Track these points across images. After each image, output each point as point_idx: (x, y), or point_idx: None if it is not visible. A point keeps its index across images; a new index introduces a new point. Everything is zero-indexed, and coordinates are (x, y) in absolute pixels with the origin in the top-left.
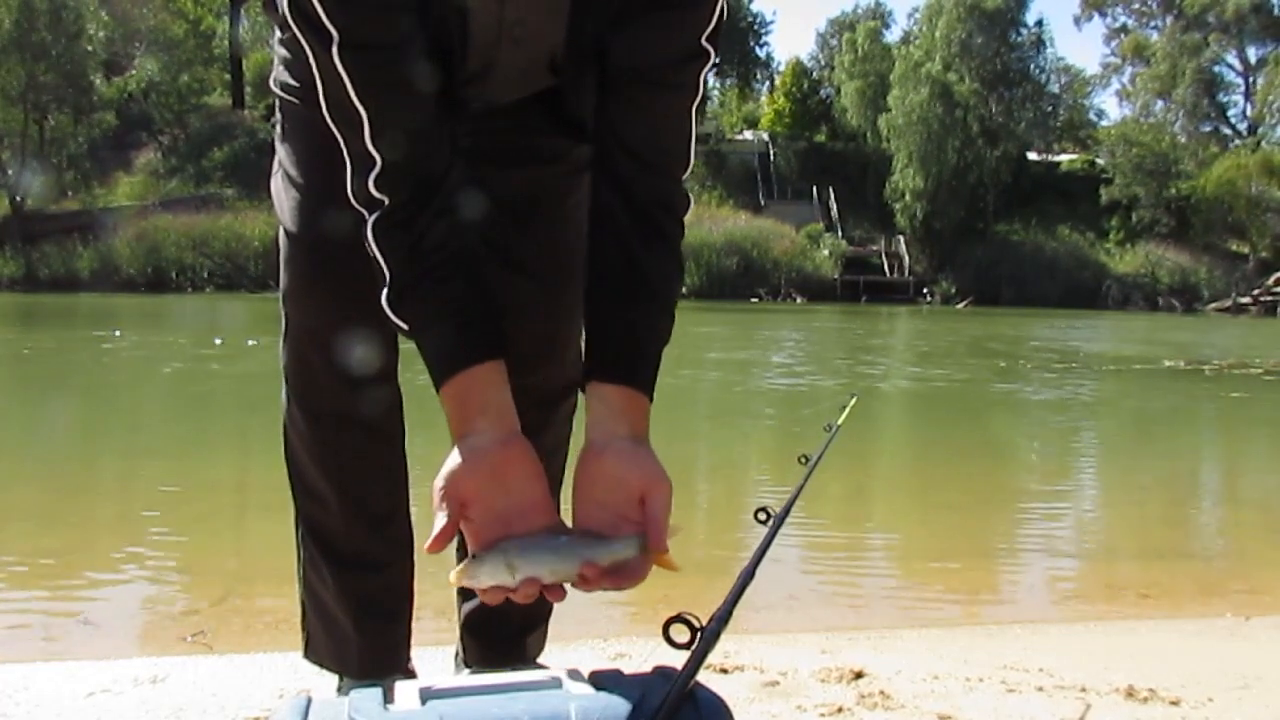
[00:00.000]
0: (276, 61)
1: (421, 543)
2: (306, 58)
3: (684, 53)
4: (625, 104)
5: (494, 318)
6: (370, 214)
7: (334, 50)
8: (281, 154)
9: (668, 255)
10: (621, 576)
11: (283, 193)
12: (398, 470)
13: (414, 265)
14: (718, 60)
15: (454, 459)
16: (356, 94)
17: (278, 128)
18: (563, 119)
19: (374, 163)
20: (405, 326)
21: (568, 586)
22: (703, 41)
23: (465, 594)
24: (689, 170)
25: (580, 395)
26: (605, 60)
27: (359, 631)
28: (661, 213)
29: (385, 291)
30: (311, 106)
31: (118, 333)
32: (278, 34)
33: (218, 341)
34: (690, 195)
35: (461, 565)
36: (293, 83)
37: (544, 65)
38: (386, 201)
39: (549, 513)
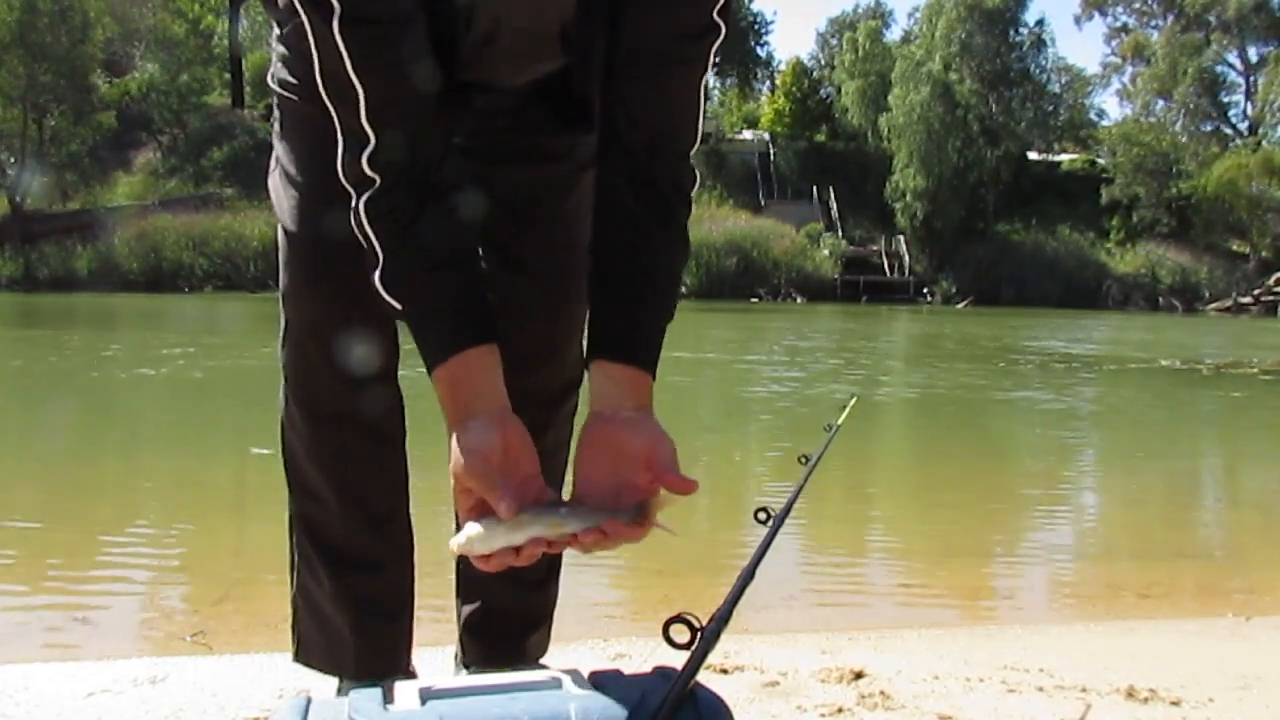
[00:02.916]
0: (275, 59)
1: (422, 544)
2: (305, 52)
3: (697, 27)
4: (636, 80)
5: (488, 303)
6: (361, 193)
7: (334, 23)
8: (280, 151)
9: (674, 233)
10: (620, 538)
11: (281, 191)
12: (398, 470)
13: (409, 247)
14: (726, 37)
15: (460, 447)
16: (354, 69)
17: (276, 125)
18: (568, 108)
19: (368, 140)
20: (399, 308)
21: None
22: (715, 16)
23: (464, 597)
24: (696, 146)
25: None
26: (616, 35)
27: (356, 633)
28: (670, 190)
29: (379, 273)
30: (310, 103)
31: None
32: (276, 31)
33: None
34: (697, 172)
35: (467, 533)
36: (291, 79)
37: (554, 36)
38: (379, 181)
39: (545, 490)
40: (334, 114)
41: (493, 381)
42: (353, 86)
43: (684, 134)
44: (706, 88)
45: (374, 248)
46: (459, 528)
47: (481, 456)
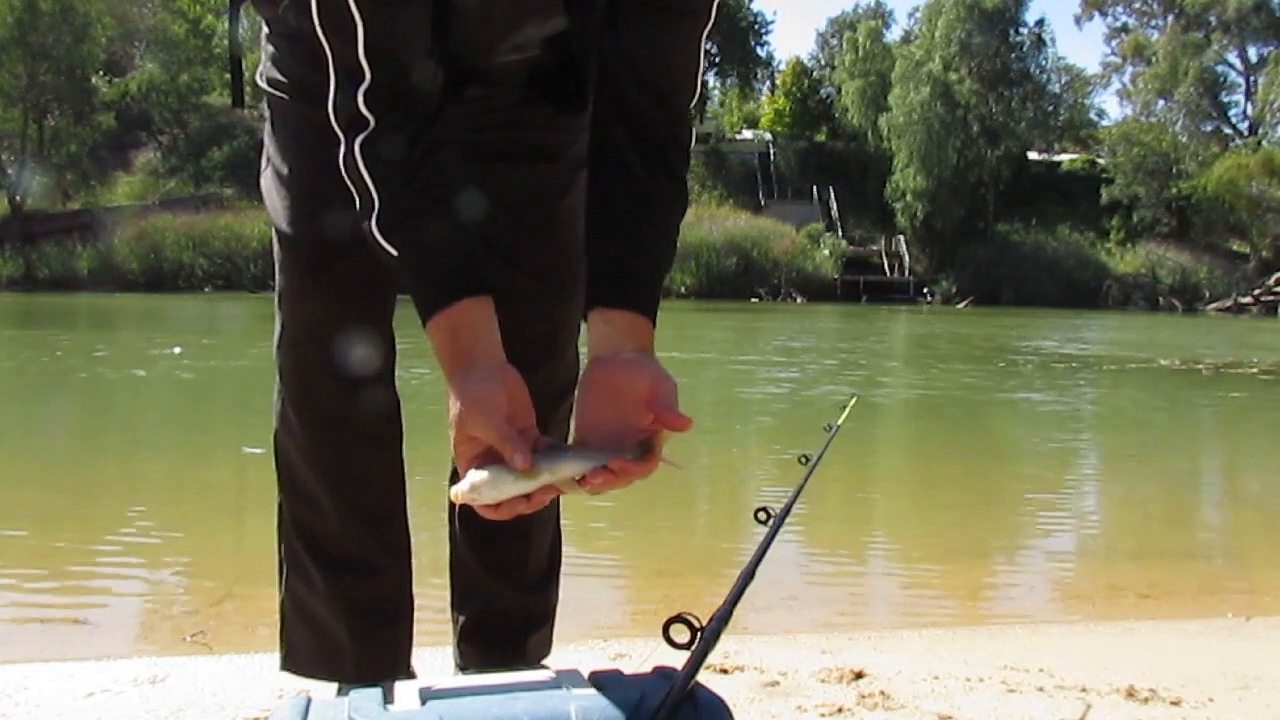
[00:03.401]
0: (264, 58)
1: (422, 545)
2: (296, 51)
3: None
4: (639, 31)
5: (484, 255)
6: (355, 134)
7: None
8: (271, 151)
9: (672, 184)
10: (628, 475)
11: (274, 191)
12: (396, 472)
13: (410, 191)
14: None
15: (468, 396)
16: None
17: (266, 124)
18: (563, 87)
19: (363, 77)
20: (394, 253)
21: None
22: None
23: (460, 605)
24: (695, 100)
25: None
26: None
27: (354, 637)
28: (669, 142)
29: (375, 217)
30: (301, 102)
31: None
32: (265, 30)
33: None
34: (694, 131)
35: (471, 480)
36: (281, 78)
37: None
38: (373, 122)
39: (541, 438)
40: (329, 50)
41: (492, 332)
42: (352, 19)
43: (684, 86)
44: (707, 43)
45: (369, 192)
46: (458, 478)
47: (491, 405)
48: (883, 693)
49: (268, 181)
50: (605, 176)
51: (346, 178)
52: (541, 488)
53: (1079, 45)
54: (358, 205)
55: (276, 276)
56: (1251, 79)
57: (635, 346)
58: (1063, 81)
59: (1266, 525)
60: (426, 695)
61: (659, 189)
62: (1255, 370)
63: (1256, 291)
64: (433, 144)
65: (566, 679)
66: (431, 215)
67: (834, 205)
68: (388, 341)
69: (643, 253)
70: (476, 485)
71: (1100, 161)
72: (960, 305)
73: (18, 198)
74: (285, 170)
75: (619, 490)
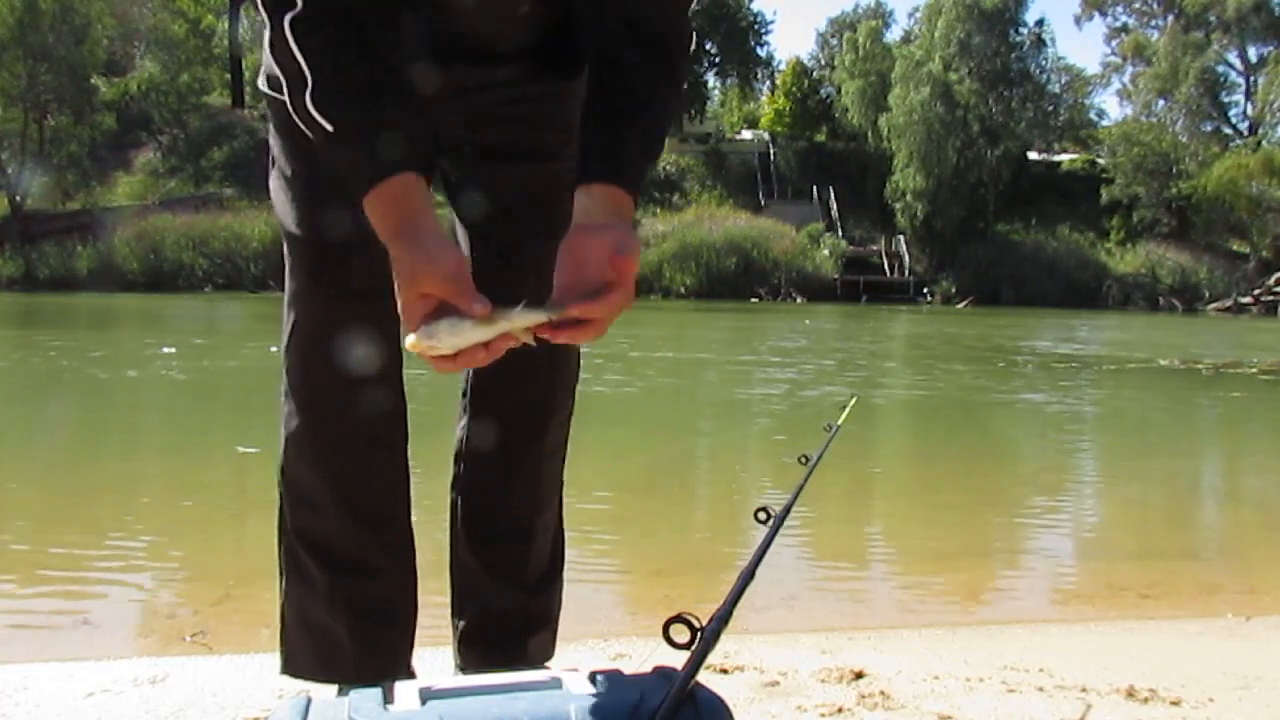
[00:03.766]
0: (265, 58)
1: (423, 546)
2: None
3: None
4: None
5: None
6: (280, 14)
7: None
8: (275, 151)
9: (669, 76)
10: (594, 318)
11: (281, 192)
12: (399, 474)
13: (346, 66)
14: None
15: (422, 253)
16: None
17: (270, 125)
18: (558, 53)
19: None
20: (330, 127)
21: None
22: None
23: (458, 609)
24: (693, 3)
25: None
26: None
27: (354, 637)
28: (670, 36)
29: (308, 92)
30: None
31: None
32: (267, 32)
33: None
34: (694, 35)
35: (426, 329)
36: (281, 78)
37: None
38: (300, 2)
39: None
40: None
41: (432, 207)
42: None
43: None
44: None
45: (300, 69)
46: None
47: (445, 259)
48: (883, 693)
49: (275, 183)
50: (602, 69)
51: (275, 62)
52: (499, 336)
53: (1079, 45)
54: (285, 86)
55: (287, 279)
56: (1251, 79)
57: (612, 212)
58: (1063, 81)
59: (1266, 525)
60: (426, 695)
61: (655, 79)
62: (1255, 370)
63: (1256, 291)
64: (366, 23)
65: (566, 679)
66: (370, 88)
67: (834, 205)
68: (394, 343)
69: (629, 130)
70: (434, 332)
71: (1100, 161)
72: (960, 305)
73: (18, 198)
74: (289, 171)
75: (616, 501)
